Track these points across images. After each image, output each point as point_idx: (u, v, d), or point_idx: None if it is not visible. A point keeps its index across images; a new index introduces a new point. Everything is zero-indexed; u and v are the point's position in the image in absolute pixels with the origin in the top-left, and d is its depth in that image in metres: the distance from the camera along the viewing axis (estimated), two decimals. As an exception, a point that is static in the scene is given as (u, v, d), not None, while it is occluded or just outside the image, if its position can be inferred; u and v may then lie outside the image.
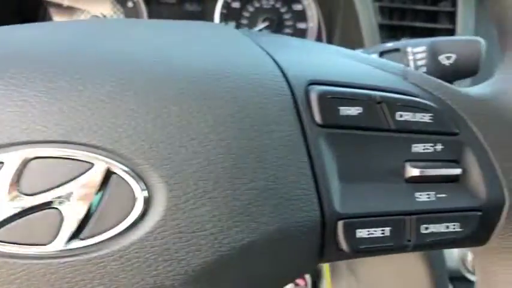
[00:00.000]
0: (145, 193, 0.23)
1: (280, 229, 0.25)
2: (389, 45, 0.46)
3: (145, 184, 0.23)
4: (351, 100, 0.26)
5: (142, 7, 0.81)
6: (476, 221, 0.27)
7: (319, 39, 0.84)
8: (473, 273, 0.71)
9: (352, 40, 0.73)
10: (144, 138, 0.23)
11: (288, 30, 0.84)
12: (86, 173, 0.23)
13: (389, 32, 0.73)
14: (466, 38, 0.44)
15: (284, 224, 0.25)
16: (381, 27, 0.73)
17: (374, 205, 0.26)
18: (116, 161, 0.23)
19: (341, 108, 0.26)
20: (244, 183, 0.24)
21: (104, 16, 0.83)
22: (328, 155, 0.26)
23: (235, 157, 0.24)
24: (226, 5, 0.83)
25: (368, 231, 0.26)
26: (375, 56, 0.46)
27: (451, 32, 0.72)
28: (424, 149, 0.27)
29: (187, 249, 0.24)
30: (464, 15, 0.70)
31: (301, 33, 0.84)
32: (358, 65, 0.29)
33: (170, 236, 0.23)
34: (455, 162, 0.27)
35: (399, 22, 0.72)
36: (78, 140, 0.23)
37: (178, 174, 0.23)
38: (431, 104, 0.27)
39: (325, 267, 0.70)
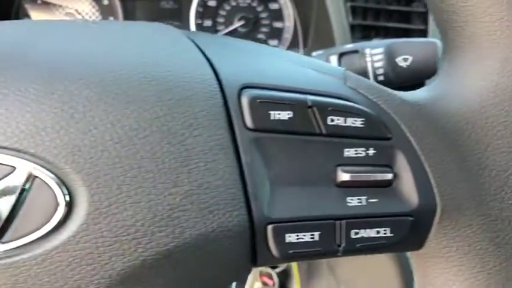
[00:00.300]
0: (68, 197, 0.23)
1: (207, 234, 0.25)
2: (349, 46, 0.46)
3: (68, 188, 0.23)
4: (282, 104, 0.26)
5: (118, 5, 0.81)
6: (408, 226, 0.27)
7: (295, 38, 0.84)
8: None
9: (325, 40, 0.73)
10: (67, 142, 0.23)
11: (264, 29, 0.84)
12: (8, 177, 0.23)
13: (363, 32, 0.73)
14: (422, 39, 0.45)
15: (210, 229, 0.25)
16: (355, 27, 0.73)
17: (304, 209, 0.26)
18: (39, 164, 0.23)
19: (272, 112, 0.26)
20: (168, 188, 0.24)
21: (79, 13, 0.82)
22: (259, 159, 0.26)
23: (160, 161, 0.24)
24: (202, 3, 0.83)
25: (297, 235, 0.26)
26: (334, 58, 0.46)
27: (424, 33, 0.72)
28: (356, 154, 0.27)
29: (110, 253, 0.24)
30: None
31: (278, 32, 0.84)
32: (296, 68, 0.29)
33: (93, 240, 0.23)
34: (388, 167, 0.27)
35: (372, 22, 0.72)
36: (0, 143, 0.23)
37: (101, 178, 0.23)
38: (364, 109, 0.27)
39: (294, 267, 0.70)
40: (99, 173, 0.23)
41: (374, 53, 0.44)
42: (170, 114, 0.25)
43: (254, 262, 0.27)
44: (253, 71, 0.27)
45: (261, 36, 0.84)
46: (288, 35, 0.84)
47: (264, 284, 0.65)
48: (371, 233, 0.26)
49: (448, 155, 0.27)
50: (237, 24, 0.83)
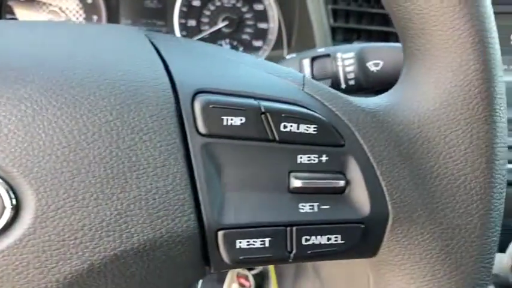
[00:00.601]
0: (14, 201, 0.23)
1: (155, 239, 0.25)
2: (321, 50, 0.46)
3: (14, 192, 0.23)
4: (235, 110, 0.26)
5: (101, 3, 0.81)
6: (359, 233, 0.27)
7: (279, 39, 0.84)
8: None
9: (307, 42, 0.73)
10: (15, 145, 0.23)
11: (248, 30, 0.84)
12: None
13: (345, 34, 0.73)
14: (393, 44, 0.45)
15: (159, 234, 0.25)
16: (336, 30, 0.73)
17: (255, 216, 0.26)
18: None
19: (224, 117, 0.26)
20: (116, 193, 0.24)
21: (63, 11, 0.82)
22: (211, 165, 0.26)
23: (108, 166, 0.24)
24: (186, 3, 0.83)
25: (248, 241, 0.26)
26: (306, 61, 0.46)
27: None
28: (308, 160, 0.27)
29: (57, 257, 0.24)
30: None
31: (262, 33, 0.84)
32: (254, 74, 0.29)
33: (40, 244, 0.23)
34: (341, 173, 0.27)
35: (354, 25, 0.72)
36: None
37: (48, 182, 0.23)
38: (318, 116, 0.27)
39: (271, 269, 0.71)
40: (47, 177, 0.23)
41: (345, 58, 0.44)
42: (120, 119, 0.25)
43: (207, 267, 0.27)
44: (209, 76, 0.27)
45: (245, 37, 0.84)
46: (272, 36, 0.84)
47: (241, 285, 0.65)
48: (322, 239, 0.27)
49: (401, 163, 0.27)
50: (221, 24, 0.83)
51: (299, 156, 0.27)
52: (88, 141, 0.24)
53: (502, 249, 0.71)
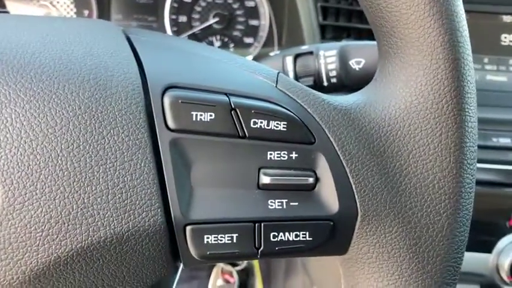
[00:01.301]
0: None
1: (122, 233, 0.25)
2: (304, 48, 0.46)
3: None
4: (204, 105, 0.26)
5: (92, -2, 0.81)
6: (327, 230, 0.27)
7: (270, 36, 0.84)
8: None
9: (297, 39, 0.73)
10: None
11: (240, 27, 0.84)
12: None
13: (335, 32, 0.73)
14: (374, 43, 0.45)
15: (126, 228, 0.25)
16: (326, 27, 0.73)
17: (224, 211, 0.26)
18: None
19: (194, 113, 0.26)
20: (83, 186, 0.24)
21: (53, 5, 0.82)
22: (180, 160, 0.26)
23: (76, 160, 0.24)
24: (177, -1, 0.83)
25: (216, 237, 0.26)
26: (289, 59, 0.46)
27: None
28: (278, 157, 0.27)
29: (23, 249, 0.24)
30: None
31: (253, 30, 0.84)
32: (227, 70, 0.29)
33: (6, 236, 0.23)
34: (311, 171, 0.27)
35: (343, 23, 0.72)
36: None
37: (15, 175, 0.23)
38: (288, 113, 0.27)
39: (256, 266, 0.71)
40: (14, 169, 0.23)
41: (327, 55, 0.44)
42: (88, 113, 0.25)
43: (178, 262, 0.27)
44: (181, 72, 0.28)
45: (236, 33, 0.84)
46: (263, 33, 0.84)
47: (226, 281, 0.65)
48: (290, 236, 0.27)
49: (370, 161, 0.27)
50: (211, 20, 0.82)
51: (269, 152, 0.27)
52: (56, 135, 0.24)
53: (489, 249, 0.72)
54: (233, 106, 0.26)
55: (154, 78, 0.26)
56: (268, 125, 0.27)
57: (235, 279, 0.67)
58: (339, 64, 0.44)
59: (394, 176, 0.27)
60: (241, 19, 0.84)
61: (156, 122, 0.26)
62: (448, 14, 0.27)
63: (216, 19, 0.82)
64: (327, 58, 0.44)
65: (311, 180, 0.27)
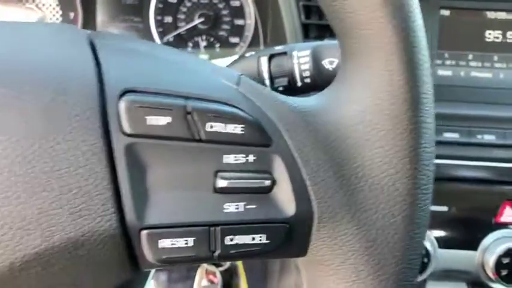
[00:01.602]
0: None
1: (77, 238, 0.25)
2: (279, 48, 0.46)
3: None
4: (161, 109, 0.26)
5: (77, 0, 0.81)
6: (284, 233, 0.27)
7: (256, 36, 0.84)
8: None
9: (280, 38, 0.73)
10: None
11: (225, 26, 0.84)
12: None
13: (318, 31, 0.73)
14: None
15: (81, 233, 0.25)
16: (310, 26, 0.73)
17: (179, 215, 0.26)
18: None
19: (149, 117, 0.26)
20: (38, 192, 0.24)
21: (39, 8, 0.82)
22: (136, 165, 0.26)
23: (30, 165, 0.24)
24: (162, 0, 0.82)
25: (171, 241, 0.26)
26: (264, 59, 0.46)
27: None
28: (235, 160, 0.27)
29: None
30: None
31: (239, 30, 0.84)
32: (188, 72, 0.29)
33: None
34: (268, 173, 0.27)
35: (325, 22, 0.72)
36: None
37: None
38: (245, 115, 0.27)
39: (239, 266, 0.71)
40: None
41: (301, 56, 0.44)
42: (45, 118, 0.25)
43: (136, 266, 0.27)
44: (139, 75, 0.28)
45: (222, 33, 0.84)
46: (248, 33, 0.84)
47: (210, 281, 0.65)
48: (246, 239, 0.27)
49: (326, 164, 0.27)
50: (197, 21, 0.82)
51: (225, 156, 0.27)
52: (11, 141, 0.24)
53: (474, 247, 0.72)
54: (189, 109, 0.26)
55: (111, 82, 0.26)
56: (225, 128, 0.27)
57: (218, 279, 0.67)
58: (312, 64, 0.44)
59: (349, 178, 0.27)
60: (226, 19, 0.84)
61: (111, 127, 0.26)
62: (402, 15, 0.27)
63: (201, 19, 0.82)
64: (300, 58, 0.44)
65: (268, 182, 0.27)
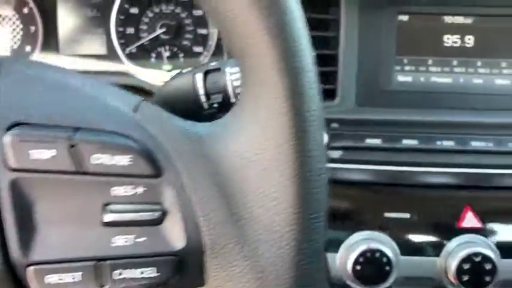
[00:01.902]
0: None
1: None
2: (213, 64, 0.46)
3: None
4: (45, 143, 0.26)
5: (37, 14, 0.81)
6: (173, 265, 0.27)
7: (219, 45, 0.83)
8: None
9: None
10: None
11: (188, 36, 0.84)
12: None
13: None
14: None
15: None
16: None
17: (66, 251, 0.26)
18: None
19: (33, 151, 0.26)
20: None
21: (3, 19, 0.82)
22: (22, 200, 0.26)
23: None
24: (123, 11, 0.82)
25: (59, 276, 0.26)
26: (199, 76, 0.46)
27: (338, 41, 0.72)
28: (124, 192, 0.27)
29: None
30: (347, 23, 0.70)
31: (202, 39, 0.84)
32: (80, 100, 0.28)
33: None
34: (158, 204, 0.27)
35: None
36: None
37: None
38: (134, 146, 0.27)
39: None
40: None
41: (233, 72, 0.44)
42: None
43: None
44: (31, 108, 0.27)
45: (185, 42, 0.84)
46: (212, 42, 0.84)
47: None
48: (135, 273, 0.26)
49: (216, 194, 0.27)
50: (158, 31, 0.82)
51: (113, 188, 0.26)
52: None
53: (437, 253, 0.71)
54: (74, 142, 0.26)
55: (3, 114, 0.26)
56: (111, 160, 0.26)
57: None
58: (244, 80, 0.44)
59: (238, 208, 0.27)
60: (189, 28, 0.84)
61: None
62: (284, 38, 0.26)
63: (163, 29, 0.82)
64: (232, 75, 0.44)
65: (157, 214, 0.27)
